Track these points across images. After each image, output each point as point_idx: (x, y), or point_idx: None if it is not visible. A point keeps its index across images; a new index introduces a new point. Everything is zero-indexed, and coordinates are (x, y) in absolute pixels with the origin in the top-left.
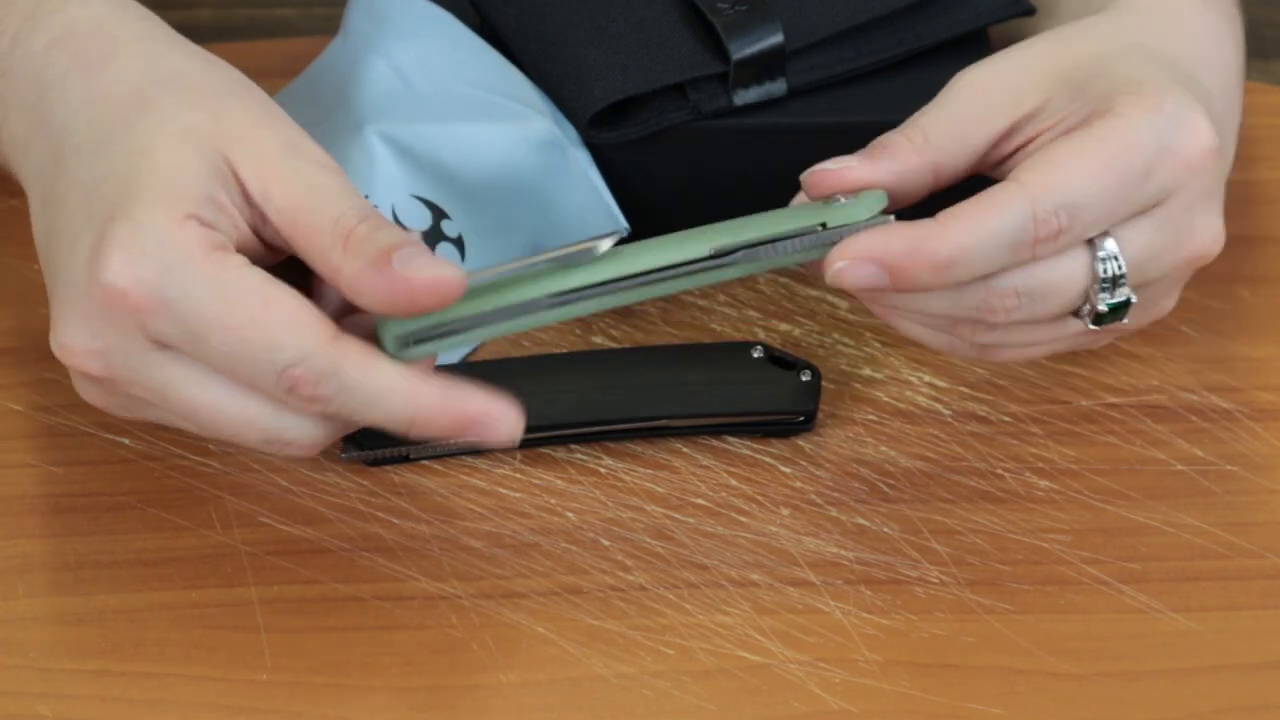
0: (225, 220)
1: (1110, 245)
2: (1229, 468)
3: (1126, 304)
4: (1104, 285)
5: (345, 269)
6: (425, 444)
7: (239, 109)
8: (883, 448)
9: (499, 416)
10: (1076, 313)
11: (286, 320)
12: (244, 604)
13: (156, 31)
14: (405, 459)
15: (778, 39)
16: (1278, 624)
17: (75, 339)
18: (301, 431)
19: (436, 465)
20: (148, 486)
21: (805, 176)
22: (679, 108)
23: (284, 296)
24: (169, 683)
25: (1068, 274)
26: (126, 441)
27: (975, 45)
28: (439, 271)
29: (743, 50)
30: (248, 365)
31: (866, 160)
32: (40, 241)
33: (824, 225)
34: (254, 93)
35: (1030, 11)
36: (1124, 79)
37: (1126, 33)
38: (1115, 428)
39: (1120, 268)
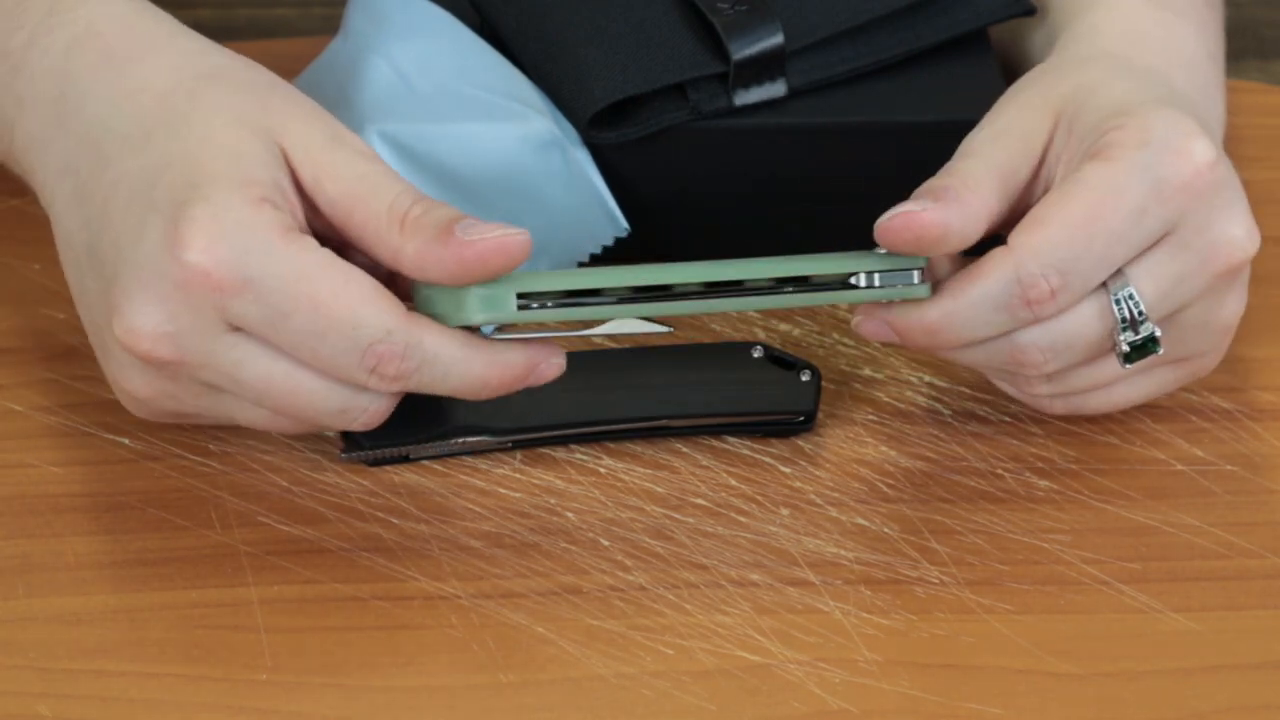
0: (288, 205)
1: (1124, 286)
2: (1229, 468)
3: (1153, 339)
4: (1124, 325)
5: (407, 247)
6: (425, 444)
7: (281, 101)
8: (883, 448)
9: (548, 357)
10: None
11: (368, 297)
12: (244, 604)
13: (183, 29)
14: (405, 459)
15: (778, 39)
16: (1278, 624)
17: (146, 322)
18: (371, 401)
19: (436, 465)
20: (148, 486)
21: (883, 224)
22: (679, 108)
23: (360, 275)
24: (169, 683)
25: (1083, 322)
26: (126, 441)
27: (975, 45)
28: (503, 233)
29: (743, 50)
30: (330, 344)
31: (939, 205)
32: (75, 236)
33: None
34: (290, 87)
35: (1030, 11)
36: (1110, 110)
37: (1102, 57)
38: (1115, 428)
39: (1137, 306)
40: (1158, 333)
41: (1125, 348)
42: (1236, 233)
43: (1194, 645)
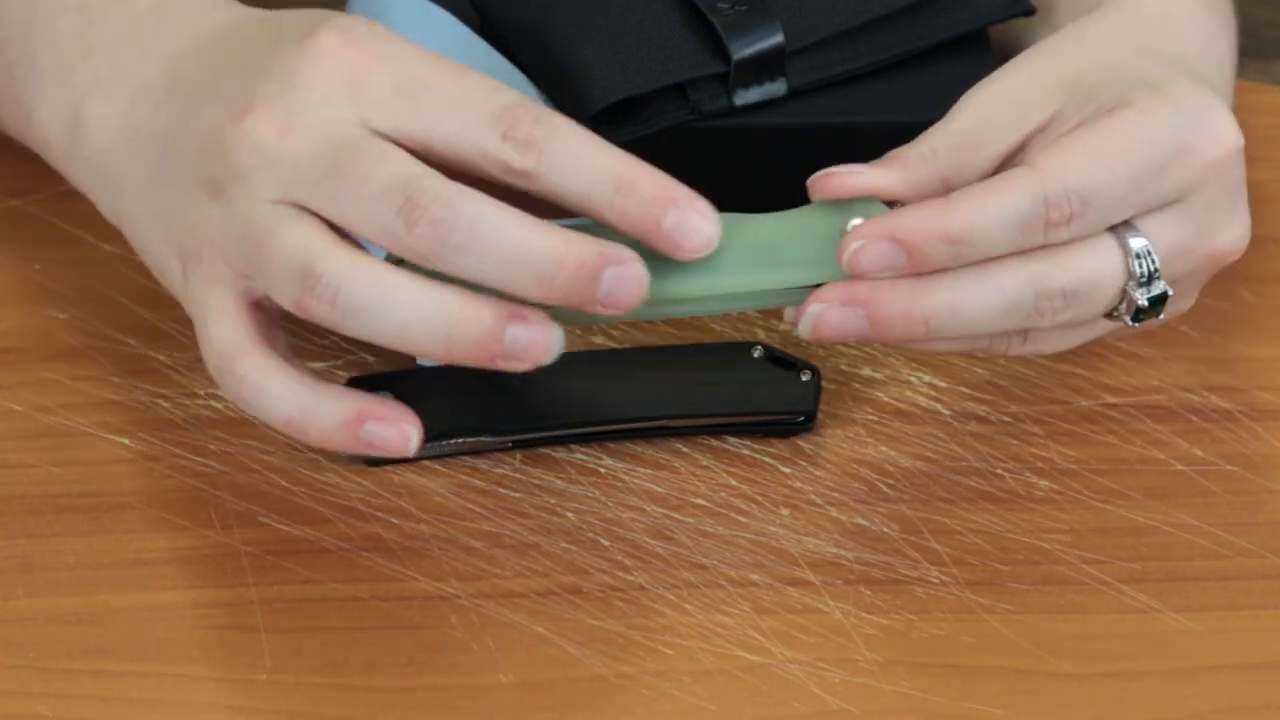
0: None
1: (1140, 240)
2: (1229, 468)
3: (1164, 297)
4: (1141, 280)
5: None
6: (425, 444)
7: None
8: (883, 448)
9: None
10: (1110, 314)
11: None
12: (244, 604)
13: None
14: (405, 459)
15: (778, 39)
16: (1278, 624)
17: (265, 107)
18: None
19: (436, 465)
20: (148, 486)
21: (813, 181)
22: (679, 108)
23: None
24: (169, 683)
25: (1106, 268)
26: (126, 441)
27: (975, 45)
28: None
29: (743, 50)
30: (466, 106)
31: (877, 166)
32: (153, 152)
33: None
34: None
35: (1030, 12)
36: (1138, 80)
37: (1126, 36)
38: (1115, 428)
39: (1154, 262)
40: (1170, 291)
41: (1142, 302)
42: (1238, 227)
43: (1194, 645)
